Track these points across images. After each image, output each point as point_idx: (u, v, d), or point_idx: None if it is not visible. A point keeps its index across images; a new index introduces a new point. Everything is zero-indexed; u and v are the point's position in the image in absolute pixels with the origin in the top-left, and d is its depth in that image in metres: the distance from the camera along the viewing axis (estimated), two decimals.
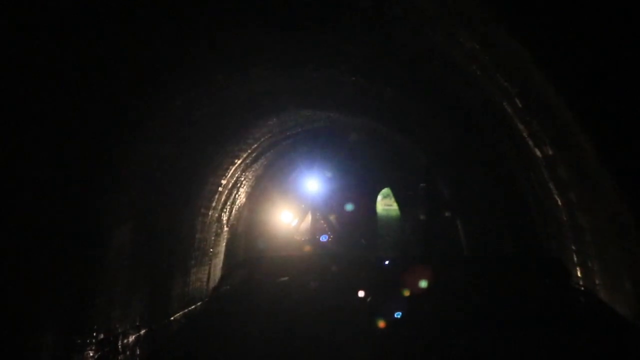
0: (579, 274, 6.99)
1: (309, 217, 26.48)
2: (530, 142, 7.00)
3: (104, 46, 7.12)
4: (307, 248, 22.97)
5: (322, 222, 26.20)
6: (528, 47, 5.31)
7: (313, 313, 13.80)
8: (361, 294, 15.02)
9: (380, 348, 6.77)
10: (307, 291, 16.11)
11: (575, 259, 7.03)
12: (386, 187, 27.57)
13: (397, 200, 26.19)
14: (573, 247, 7.05)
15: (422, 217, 20.51)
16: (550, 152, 6.59)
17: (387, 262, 15.61)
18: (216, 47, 8.96)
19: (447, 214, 16.43)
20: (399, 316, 6.94)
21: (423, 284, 7.71)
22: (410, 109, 12.29)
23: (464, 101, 9.05)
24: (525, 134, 6.99)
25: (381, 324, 11.22)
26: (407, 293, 11.59)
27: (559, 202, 7.07)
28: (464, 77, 7.74)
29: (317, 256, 20.25)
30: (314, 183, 24.85)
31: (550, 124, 6.15)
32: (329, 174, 24.54)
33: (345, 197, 25.11)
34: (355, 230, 24.83)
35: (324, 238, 14.86)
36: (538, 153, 6.98)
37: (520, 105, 6.50)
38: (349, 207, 25.16)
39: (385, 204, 31.44)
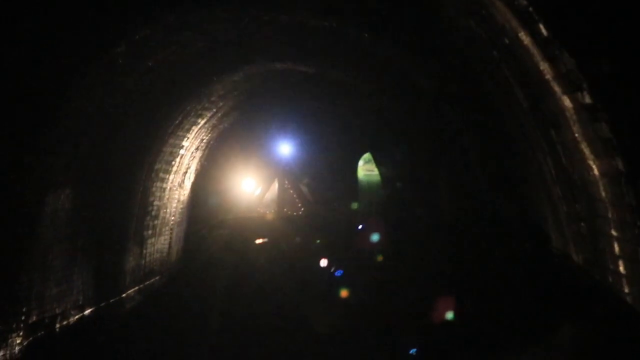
0: (622, 268, 5.12)
1: (275, 186, 24.43)
2: (557, 88, 5.39)
3: None
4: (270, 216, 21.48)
5: (291, 191, 24.12)
6: None
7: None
8: (323, 263, 14.54)
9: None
10: (280, 251, 16.08)
11: (617, 249, 5.16)
12: (367, 151, 26.04)
13: (378, 166, 24.85)
14: (614, 233, 5.16)
15: (398, 184, 19.83)
16: (589, 101, 4.80)
17: (360, 227, 14.89)
18: None
19: (425, 178, 15.47)
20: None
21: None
22: (390, 55, 10.93)
23: (455, 37, 7.61)
24: (548, 77, 5.40)
25: (343, 293, 10.82)
26: (380, 258, 11.37)
27: (595, 171, 5.26)
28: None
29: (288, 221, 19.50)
30: (285, 147, 23.21)
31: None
32: (303, 137, 22.92)
33: (321, 163, 23.46)
34: (333, 199, 23.24)
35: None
36: (567, 103, 5.12)
37: (545, 34, 4.90)
38: (326, 173, 23.54)
39: (367, 169, 30.42)
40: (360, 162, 26.82)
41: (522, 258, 6.72)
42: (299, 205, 23.42)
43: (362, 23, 9.80)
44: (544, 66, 5.11)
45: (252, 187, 22.57)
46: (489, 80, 7.49)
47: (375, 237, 12.07)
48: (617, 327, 4.86)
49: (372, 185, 26.47)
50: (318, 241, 16.25)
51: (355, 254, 13.31)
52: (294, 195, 23.72)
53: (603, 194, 5.04)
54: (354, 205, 20.79)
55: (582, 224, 5.90)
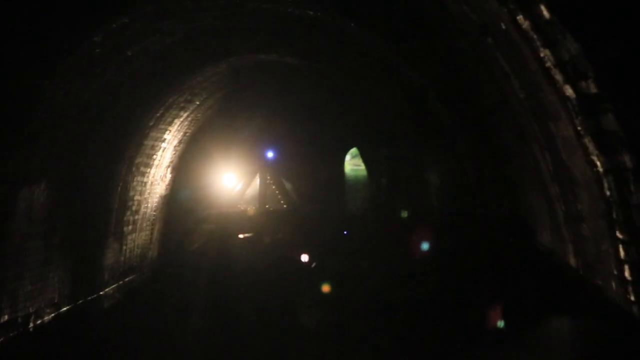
0: (627, 274, 4.61)
1: (257, 182, 23.95)
2: (558, 77, 4.99)
3: None
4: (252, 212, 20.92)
5: (273, 187, 23.31)
6: None
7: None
8: (304, 258, 14.51)
9: None
10: (263, 245, 16.03)
11: (622, 253, 4.68)
12: (354, 146, 25.63)
13: (365, 161, 24.52)
14: (620, 235, 4.70)
15: (383, 180, 19.69)
16: (594, 90, 4.36)
17: (345, 233, 14.80)
18: None
19: (413, 175, 15.36)
20: None
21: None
22: (378, 47, 10.62)
23: (447, 25, 7.29)
24: (549, 64, 5.04)
25: (325, 288, 11.12)
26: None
27: (599, 167, 4.79)
28: None
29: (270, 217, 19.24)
30: (269, 141, 22.65)
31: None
32: (288, 130, 22.38)
33: (306, 158, 22.89)
34: (319, 196, 22.59)
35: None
36: (570, 92, 4.72)
37: (547, 17, 4.49)
38: (311, 168, 22.93)
39: (354, 164, 30.01)
40: (347, 157, 26.53)
41: (510, 258, 6.90)
42: (282, 201, 22.82)
43: (348, 12, 9.49)
44: (544, 53, 4.75)
45: (233, 182, 21.91)
46: (482, 70, 7.18)
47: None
48: (604, 323, 4.87)
49: (359, 180, 26.13)
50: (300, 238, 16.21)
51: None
52: (277, 191, 23.07)
53: (607, 192, 4.62)
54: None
55: (583, 224, 5.47)
